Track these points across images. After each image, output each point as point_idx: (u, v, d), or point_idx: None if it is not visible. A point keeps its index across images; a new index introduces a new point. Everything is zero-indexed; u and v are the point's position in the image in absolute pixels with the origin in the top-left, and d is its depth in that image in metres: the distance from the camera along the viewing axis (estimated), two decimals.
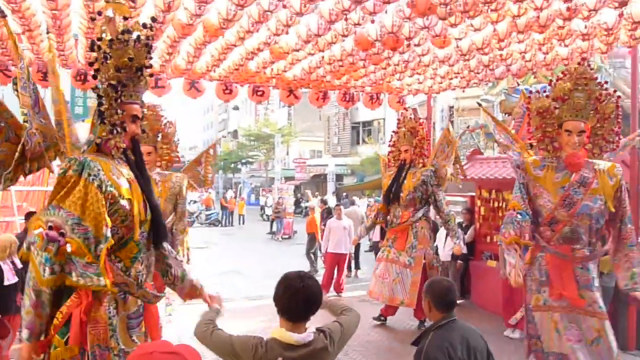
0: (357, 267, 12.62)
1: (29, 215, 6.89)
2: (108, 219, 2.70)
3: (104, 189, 2.71)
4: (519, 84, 11.90)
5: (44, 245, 2.54)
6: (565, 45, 6.46)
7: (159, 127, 5.64)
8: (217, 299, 3.17)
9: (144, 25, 2.95)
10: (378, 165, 26.02)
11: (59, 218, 2.62)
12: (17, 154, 2.86)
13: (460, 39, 6.38)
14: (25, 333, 2.61)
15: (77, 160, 2.71)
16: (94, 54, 2.85)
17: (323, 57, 7.18)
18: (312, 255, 12.75)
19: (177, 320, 5.97)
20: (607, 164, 4.44)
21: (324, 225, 11.33)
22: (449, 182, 7.66)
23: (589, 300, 4.31)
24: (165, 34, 6.15)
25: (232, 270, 12.98)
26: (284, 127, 42.88)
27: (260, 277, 11.79)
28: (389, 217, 7.71)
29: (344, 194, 31.35)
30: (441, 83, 9.07)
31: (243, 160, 47.69)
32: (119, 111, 2.86)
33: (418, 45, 6.50)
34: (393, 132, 7.97)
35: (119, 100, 2.86)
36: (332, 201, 16.86)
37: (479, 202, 9.00)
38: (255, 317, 7.35)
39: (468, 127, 17.40)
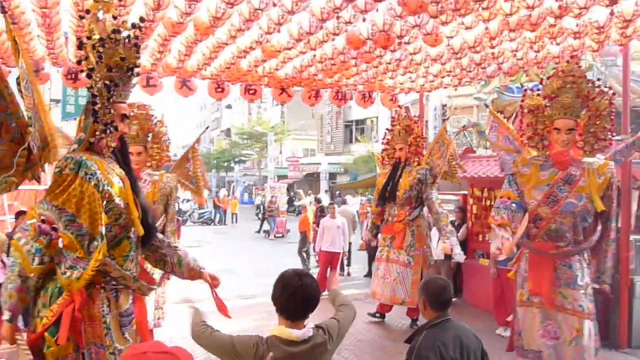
0: (349, 264, 12.64)
1: (19, 214, 6.84)
2: (105, 217, 2.74)
3: (101, 187, 2.74)
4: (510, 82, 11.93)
5: (36, 236, 2.59)
6: (557, 44, 6.47)
7: (150, 127, 5.57)
8: (215, 277, 3.39)
9: (133, 25, 2.97)
10: (371, 164, 26.11)
11: (53, 214, 2.65)
12: (20, 158, 2.80)
13: (451, 37, 6.38)
14: (6, 315, 2.64)
15: (73, 159, 2.74)
16: (86, 53, 2.85)
17: (315, 55, 7.15)
18: (304, 254, 12.75)
19: (167, 323, 5.95)
20: (599, 162, 4.46)
21: (317, 224, 11.32)
22: (444, 182, 7.65)
23: (570, 298, 4.34)
24: (155, 32, 6.11)
25: (225, 269, 12.94)
26: (277, 125, 42.85)
27: (253, 275, 11.77)
28: (384, 216, 7.70)
29: (337, 192, 31.36)
30: (433, 81, 9.07)
31: (236, 159, 47.68)
32: (111, 110, 2.89)
33: (409, 43, 6.49)
34: (387, 129, 7.96)
35: (110, 100, 2.88)
36: (325, 200, 16.85)
37: (471, 201, 9.02)
38: (248, 316, 7.29)
39: (464, 126, 17.43)
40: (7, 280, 2.65)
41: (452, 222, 8.63)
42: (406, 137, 7.54)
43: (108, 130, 2.87)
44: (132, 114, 5.03)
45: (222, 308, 3.34)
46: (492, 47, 6.55)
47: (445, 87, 9.65)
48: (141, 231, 2.96)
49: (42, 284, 2.69)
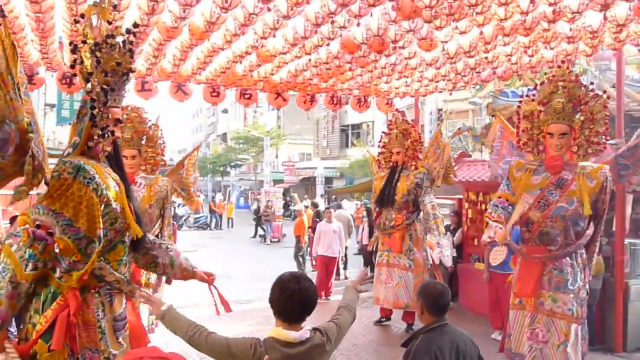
0: (345, 268, 12.62)
1: (13, 220, 6.81)
2: (101, 221, 2.73)
3: (99, 192, 2.74)
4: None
5: (30, 242, 2.54)
6: (551, 48, 6.50)
7: (144, 130, 5.52)
8: (210, 273, 3.41)
9: (127, 31, 2.97)
10: (367, 168, 26.10)
11: (49, 218, 2.63)
12: (28, 166, 2.77)
13: (446, 42, 6.41)
14: None
15: (72, 163, 2.72)
16: (80, 57, 2.85)
17: (310, 60, 7.16)
18: (300, 258, 12.73)
19: (163, 327, 5.93)
20: (593, 166, 4.48)
21: (313, 229, 11.31)
22: (439, 186, 7.66)
23: (559, 302, 4.37)
24: (150, 36, 6.11)
25: (221, 273, 12.79)
26: (273, 129, 42.86)
27: (249, 280, 11.74)
28: (381, 220, 7.69)
29: (333, 197, 31.36)
30: (428, 86, 9.10)
31: (232, 164, 47.63)
32: (108, 115, 2.89)
33: (403, 47, 6.51)
34: (384, 133, 7.97)
35: (107, 104, 2.88)
36: (321, 204, 16.87)
37: (466, 205, 9.03)
38: (244, 321, 7.26)
39: (459, 129, 17.47)
40: None
41: (447, 227, 8.64)
42: (403, 141, 7.54)
43: (105, 135, 2.87)
44: (125, 116, 5.01)
45: (223, 302, 3.39)
46: (487, 51, 6.58)
47: (440, 92, 9.68)
48: (140, 233, 2.95)
49: (33, 290, 2.66)
